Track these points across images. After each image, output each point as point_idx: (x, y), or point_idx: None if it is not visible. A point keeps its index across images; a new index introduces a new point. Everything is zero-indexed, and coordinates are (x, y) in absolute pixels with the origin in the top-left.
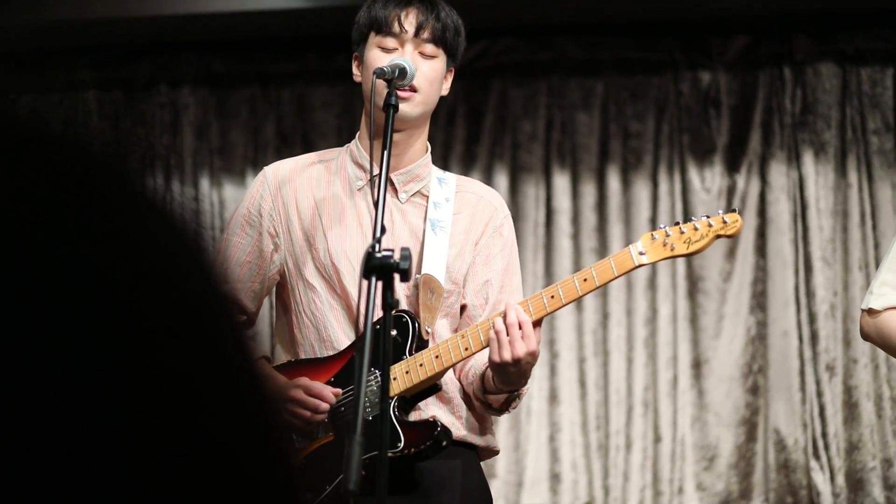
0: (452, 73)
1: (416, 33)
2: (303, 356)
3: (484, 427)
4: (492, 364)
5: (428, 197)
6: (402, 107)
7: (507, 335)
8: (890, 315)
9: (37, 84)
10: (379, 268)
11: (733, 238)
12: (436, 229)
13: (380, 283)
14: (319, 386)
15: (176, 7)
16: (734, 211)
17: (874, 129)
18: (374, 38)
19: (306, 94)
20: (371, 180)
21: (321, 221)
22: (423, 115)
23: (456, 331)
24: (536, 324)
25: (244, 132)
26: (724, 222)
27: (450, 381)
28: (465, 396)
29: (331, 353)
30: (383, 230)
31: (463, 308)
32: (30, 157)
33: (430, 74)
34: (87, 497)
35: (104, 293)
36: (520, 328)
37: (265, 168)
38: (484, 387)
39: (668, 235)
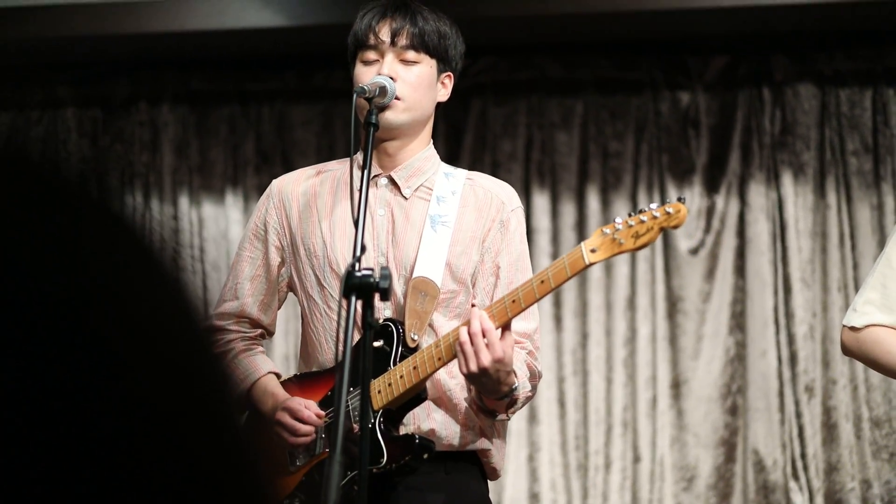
0: (452, 78)
1: (393, 42)
2: (314, 367)
3: (489, 437)
4: (463, 375)
5: (432, 191)
6: (386, 114)
7: (472, 345)
8: (872, 331)
9: (16, 101)
10: (358, 287)
11: (677, 228)
12: (436, 226)
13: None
14: (306, 411)
15: (155, 25)
16: (680, 200)
17: (853, 150)
18: (356, 54)
19: (286, 111)
20: (373, 180)
21: (321, 231)
22: (411, 122)
23: None
24: (505, 328)
25: (224, 150)
26: (668, 213)
27: (454, 388)
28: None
29: (331, 365)
30: (363, 249)
31: (473, 307)
32: (6, 181)
33: (412, 80)
34: None
35: (78, 320)
36: (484, 336)
37: (272, 182)
38: (481, 399)
39: (617, 230)
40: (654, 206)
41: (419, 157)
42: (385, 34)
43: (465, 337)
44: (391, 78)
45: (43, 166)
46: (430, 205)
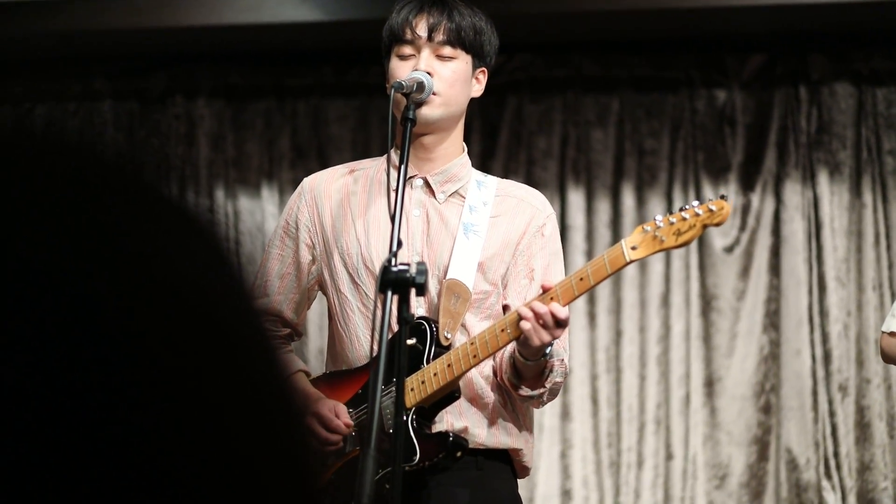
0: (486, 73)
1: (430, 37)
2: (343, 366)
3: (522, 435)
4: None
5: (465, 198)
6: (422, 110)
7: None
8: None
9: (53, 93)
10: (394, 282)
11: (720, 226)
12: (468, 233)
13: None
14: (335, 420)
15: (192, 18)
16: (723, 198)
17: (889, 149)
18: (393, 49)
19: (321, 107)
20: (409, 181)
21: (355, 229)
22: (447, 117)
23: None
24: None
25: (259, 144)
26: (711, 210)
27: (485, 387)
28: (503, 397)
29: (363, 363)
30: (399, 244)
31: (505, 308)
32: (47, 167)
33: (448, 76)
34: None
35: (130, 304)
36: (539, 318)
37: (304, 180)
38: (516, 370)
39: (658, 227)
40: (696, 203)
41: (455, 164)
42: (422, 29)
43: (528, 314)
44: (428, 73)
45: (82, 148)
46: (462, 212)
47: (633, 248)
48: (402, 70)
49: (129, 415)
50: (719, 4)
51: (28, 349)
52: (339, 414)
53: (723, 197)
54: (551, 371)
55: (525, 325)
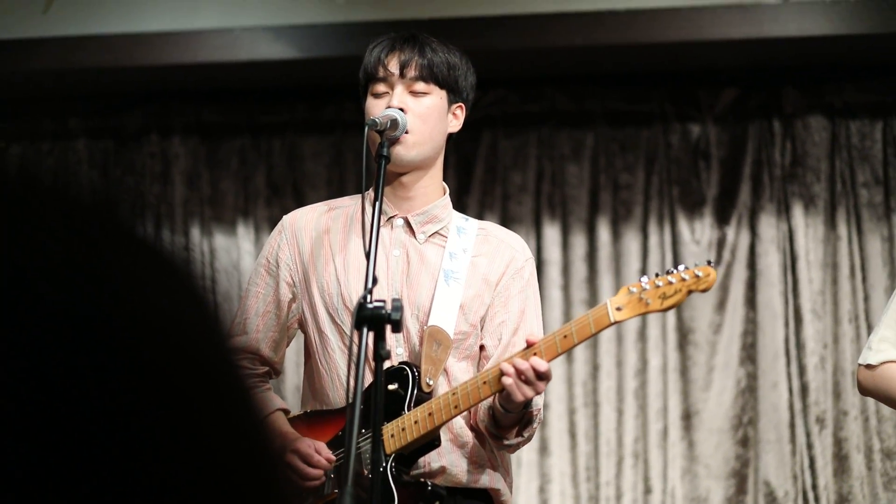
0: (464, 109)
1: (402, 73)
2: (323, 406)
3: (500, 474)
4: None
5: (447, 239)
6: (397, 150)
7: (519, 379)
8: (888, 368)
9: (27, 132)
10: (370, 318)
11: (706, 292)
12: (449, 280)
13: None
14: (316, 456)
15: (166, 57)
16: (709, 263)
17: (863, 181)
18: (369, 88)
19: (297, 143)
20: (389, 221)
21: (335, 266)
22: (423, 156)
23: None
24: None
25: (235, 182)
26: (697, 276)
27: (464, 426)
28: (480, 438)
29: (344, 402)
30: (375, 281)
31: (482, 348)
32: (21, 208)
33: (421, 112)
34: None
35: (104, 343)
36: (521, 375)
37: (284, 217)
38: (494, 418)
39: (644, 290)
40: (682, 267)
41: (437, 205)
42: (394, 66)
43: (510, 370)
44: (401, 110)
45: (55, 189)
46: (443, 257)
47: (619, 309)
48: (376, 108)
49: (102, 455)
50: (692, 39)
51: (9, 386)
52: (320, 450)
53: (709, 263)
54: (530, 421)
55: (507, 380)
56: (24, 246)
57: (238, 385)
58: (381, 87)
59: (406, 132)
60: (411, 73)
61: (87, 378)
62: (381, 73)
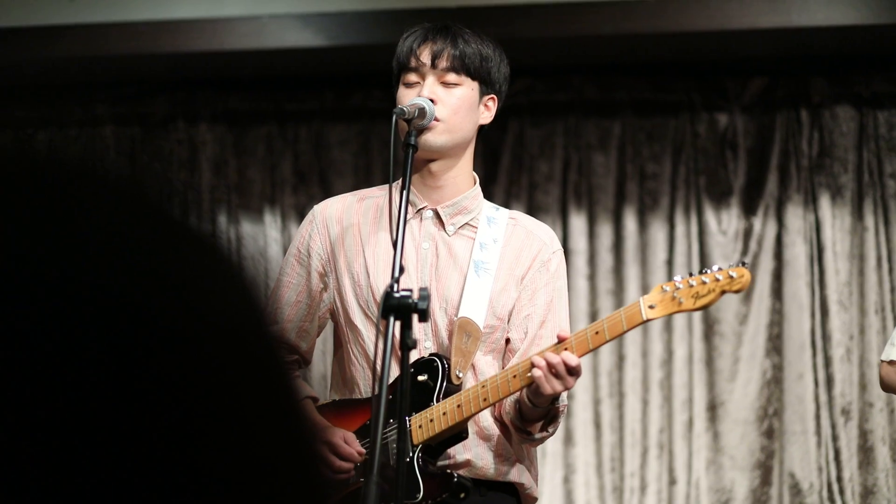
0: (496, 101)
1: (434, 64)
2: (355, 394)
3: (524, 468)
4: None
5: (477, 230)
6: (426, 136)
7: (552, 373)
8: None
9: (54, 119)
10: (397, 308)
11: (740, 293)
12: (479, 271)
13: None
14: (346, 447)
15: (193, 44)
16: (744, 265)
17: (891, 172)
18: (401, 78)
19: (323, 131)
20: (418, 213)
21: (365, 258)
22: (451, 145)
23: (503, 366)
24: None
25: (261, 169)
26: (731, 277)
27: (490, 419)
28: (505, 431)
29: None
30: (402, 270)
31: (507, 342)
32: (51, 189)
33: (452, 103)
34: None
35: (146, 326)
36: (553, 369)
37: (314, 206)
38: (521, 412)
39: (677, 289)
40: (716, 267)
41: (467, 196)
42: (426, 56)
43: (541, 363)
44: (431, 100)
45: (85, 171)
46: (473, 248)
47: (651, 307)
48: (406, 97)
49: (139, 432)
50: (720, 28)
51: (40, 366)
52: (350, 442)
53: (744, 264)
54: (555, 417)
55: (537, 373)
56: (55, 226)
57: (276, 367)
58: (412, 77)
59: (435, 120)
60: (443, 63)
61: (121, 359)
62: (413, 63)
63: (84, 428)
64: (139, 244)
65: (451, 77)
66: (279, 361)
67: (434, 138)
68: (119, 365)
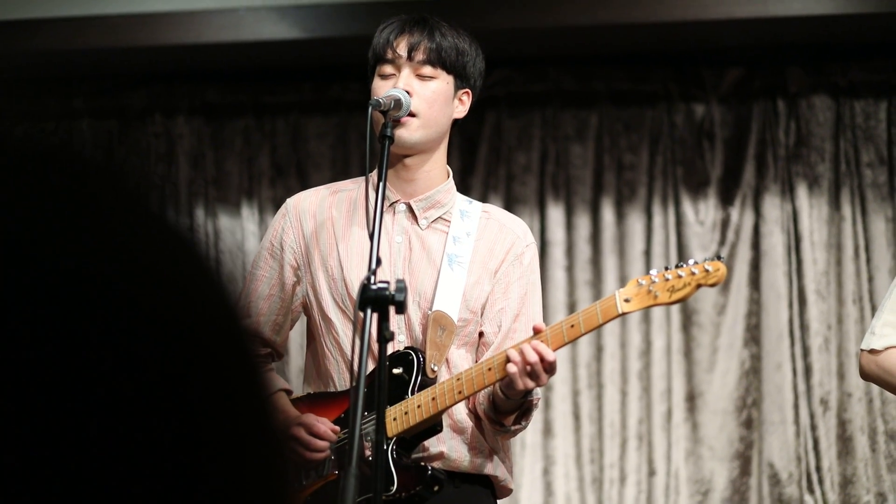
0: (470, 95)
1: (410, 56)
2: (330, 387)
3: (499, 460)
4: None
5: (450, 223)
6: (400, 132)
7: (526, 367)
8: (892, 353)
9: (30, 112)
10: (374, 300)
11: (715, 287)
12: (452, 265)
13: (375, 316)
14: (321, 426)
15: (170, 37)
16: (719, 258)
17: (868, 161)
18: (376, 69)
19: (301, 124)
20: (391, 207)
21: (339, 251)
22: (426, 140)
23: (476, 360)
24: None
25: (239, 162)
26: (707, 271)
27: (463, 412)
28: (479, 423)
29: (346, 386)
30: (378, 262)
31: (481, 335)
32: (29, 173)
33: (427, 96)
34: None
35: (111, 309)
36: (528, 364)
37: (287, 200)
38: (494, 404)
39: (653, 282)
40: (692, 261)
41: (440, 190)
42: (402, 48)
43: (517, 357)
44: (407, 92)
45: (64, 152)
46: (446, 242)
47: (627, 301)
48: (381, 89)
49: (106, 424)
50: (696, 18)
51: (11, 357)
52: (324, 422)
53: (719, 258)
54: (528, 410)
55: (511, 368)
56: (30, 210)
57: (244, 356)
58: (388, 69)
59: (411, 114)
60: (419, 56)
61: (94, 343)
62: (389, 54)
63: (51, 422)
64: (113, 233)
65: (427, 70)
66: (250, 355)
67: (410, 135)
68: (88, 355)
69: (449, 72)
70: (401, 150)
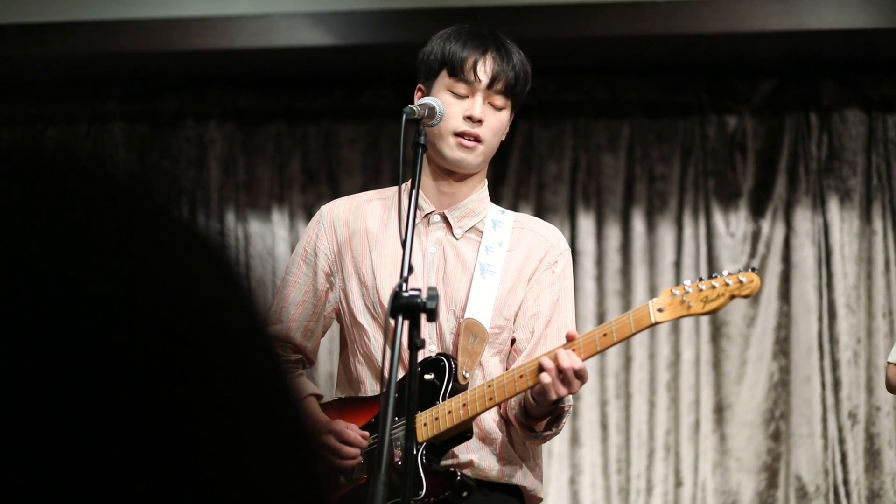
0: (513, 117)
1: (490, 85)
2: (361, 393)
3: (528, 469)
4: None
5: (482, 233)
6: (466, 156)
7: (559, 377)
8: None
9: (64, 115)
10: (405, 307)
11: (748, 298)
12: (485, 273)
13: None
14: (351, 432)
15: (203, 42)
16: (753, 270)
17: None
18: (444, 80)
19: (332, 130)
20: (426, 218)
21: (372, 259)
22: (483, 163)
23: (507, 366)
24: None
25: (270, 168)
26: (741, 282)
27: (493, 422)
28: (510, 429)
29: (377, 392)
30: (411, 269)
31: (513, 342)
32: (58, 186)
33: (496, 126)
34: None
35: (140, 324)
36: (561, 372)
37: (322, 207)
38: (526, 410)
39: (686, 293)
40: (726, 272)
41: (474, 199)
42: (485, 75)
43: (550, 366)
44: (480, 121)
45: (93, 169)
46: (479, 251)
47: (660, 311)
48: (453, 109)
49: (136, 434)
50: (730, 30)
51: (38, 367)
52: (353, 429)
53: (753, 269)
54: (560, 416)
55: (545, 377)
56: (60, 224)
57: (273, 367)
58: (463, 90)
59: (476, 139)
60: (498, 87)
61: (120, 357)
62: (470, 76)
63: (79, 427)
64: (140, 245)
65: (499, 101)
66: (278, 361)
67: (473, 159)
68: (116, 363)
69: (514, 102)
70: (459, 170)
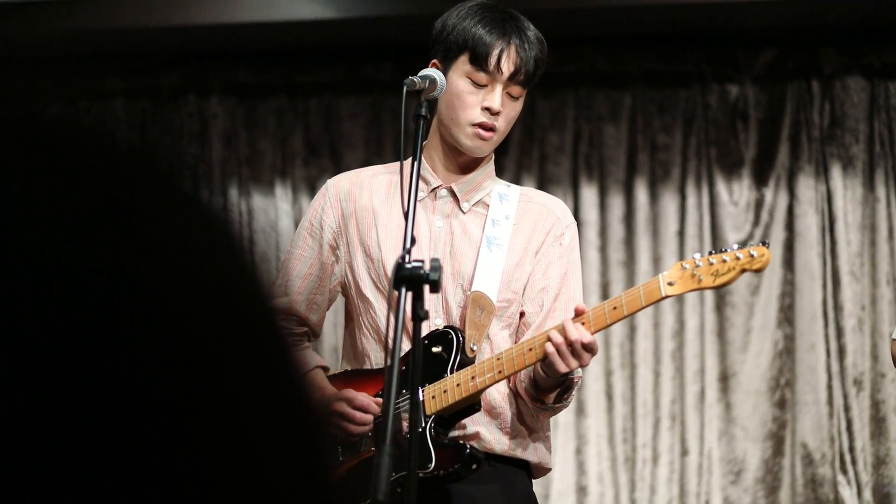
0: None
1: (511, 77)
2: (366, 366)
3: (535, 442)
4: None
5: (489, 206)
6: (481, 145)
7: (567, 350)
8: None
9: (65, 92)
10: (408, 279)
11: (759, 272)
12: (491, 246)
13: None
14: (363, 398)
15: (204, 17)
16: (765, 244)
17: None
18: (464, 65)
19: (334, 104)
20: (433, 192)
21: (377, 233)
22: (494, 147)
23: (517, 340)
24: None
25: (272, 142)
26: (752, 256)
27: (499, 396)
28: (519, 401)
29: (382, 365)
30: (413, 241)
31: (522, 315)
32: (61, 158)
33: (511, 116)
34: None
35: (143, 298)
36: (570, 345)
37: (328, 181)
38: (535, 383)
39: (697, 266)
40: (736, 246)
41: (481, 173)
42: (507, 68)
43: (558, 338)
44: (498, 112)
45: (98, 138)
46: (485, 225)
47: (670, 284)
48: (472, 98)
49: (138, 408)
50: None
51: (38, 341)
52: (364, 395)
53: (764, 244)
54: (569, 388)
55: (550, 348)
56: (61, 191)
57: (277, 339)
58: (484, 79)
59: (491, 129)
60: (519, 78)
61: (122, 329)
62: (492, 66)
63: (81, 409)
64: (145, 216)
65: (517, 91)
66: (283, 336)
67: (488, 147)
68: (117, 339)
69: (530, 89)
70: (471, 153)
